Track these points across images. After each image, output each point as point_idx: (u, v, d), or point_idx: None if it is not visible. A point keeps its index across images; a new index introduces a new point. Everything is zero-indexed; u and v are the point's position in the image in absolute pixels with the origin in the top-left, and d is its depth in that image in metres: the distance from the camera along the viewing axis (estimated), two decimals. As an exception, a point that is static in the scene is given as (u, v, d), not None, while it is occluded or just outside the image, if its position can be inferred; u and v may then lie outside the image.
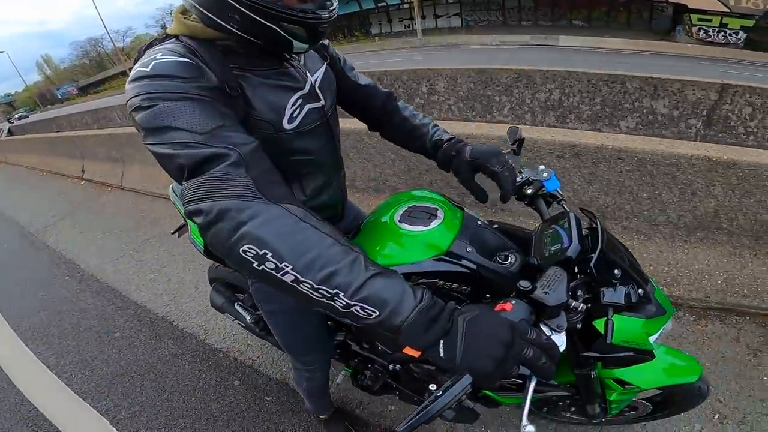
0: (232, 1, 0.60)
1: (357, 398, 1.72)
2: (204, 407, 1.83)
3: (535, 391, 0.64)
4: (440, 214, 0.90)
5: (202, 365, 2.06)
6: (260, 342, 2.06)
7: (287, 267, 0.50)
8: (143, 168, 4.60)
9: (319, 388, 1.38)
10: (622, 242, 0.84)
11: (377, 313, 0.51)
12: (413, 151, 1.08)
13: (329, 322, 1.19)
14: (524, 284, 0.58)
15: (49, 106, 68.48)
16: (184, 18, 0.69)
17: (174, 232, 1.45)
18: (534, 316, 0.57)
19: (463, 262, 0.82)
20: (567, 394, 1.00)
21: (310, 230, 0.53)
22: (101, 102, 28.94)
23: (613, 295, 0.69)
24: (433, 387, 0.54)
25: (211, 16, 0.63)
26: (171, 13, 0.74)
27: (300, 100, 0.77)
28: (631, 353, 0.80)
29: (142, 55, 0.65)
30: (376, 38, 27.49)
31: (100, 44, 72.88)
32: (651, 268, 1.90)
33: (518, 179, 0.95)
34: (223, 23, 0.63)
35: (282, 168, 0.74)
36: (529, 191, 0.93)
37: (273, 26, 0.62)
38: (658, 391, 1.11)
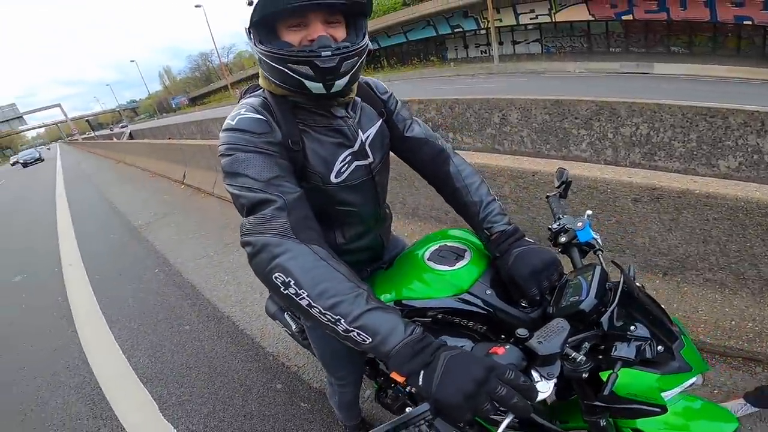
0: (260, 55, 0.73)
1: (388, 416, 1.70)
2: (244, 404, 1.96)
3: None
4: (468, 255, 0.94)
5: (252, 365, 2.20)
6: (308, 351, 2.17)
7: (304, 293, 0.62)
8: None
9: (348, 402, 1.44)
10: (653, 297, 0.82)
11: (370, 339, 0.61)
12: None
13: None
14: (521, 332, 0.62)
15: (164, 114, 79.83)
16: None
17: None
18: (525, 362, 0.60)
19: (481, 303, 0.86)
20: None
21: (327, 267, 0.65)
22: (206, 113, 32.95)
23: (625, 349, 0.69)
24: (408, 409, 0.57)
25: (265, 73, 0.78)
26: None
27: (349, 157, 0.86)
28: (639, 406, 0.78)
29: (243, 97, 0.85)
30: (452, 63, 27.79)
31: (209, 59, 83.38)
32: (733, 323, 1.70)
33: (555, 226, 0.96)
34: (270, 78, 0.77)
35: (327, 214, 0.88)
36: (563, 240, 0.93)
37: (282, 68, 0.72)
38: None
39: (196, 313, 2.83)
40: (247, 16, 0.72)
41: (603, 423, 0.87)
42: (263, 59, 0.74)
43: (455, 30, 26.89)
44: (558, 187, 1.06)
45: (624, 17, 19.22)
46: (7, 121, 71.74)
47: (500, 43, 24.08)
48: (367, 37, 0.80)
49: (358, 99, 0.92)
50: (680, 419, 0.89)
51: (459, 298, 0.87)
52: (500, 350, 0.60)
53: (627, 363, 0.69)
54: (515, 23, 23.35)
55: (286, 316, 1.65)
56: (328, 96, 0.78)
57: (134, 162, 10.50)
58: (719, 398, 1.53)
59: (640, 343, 0.70)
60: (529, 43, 24.16)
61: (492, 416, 0.55)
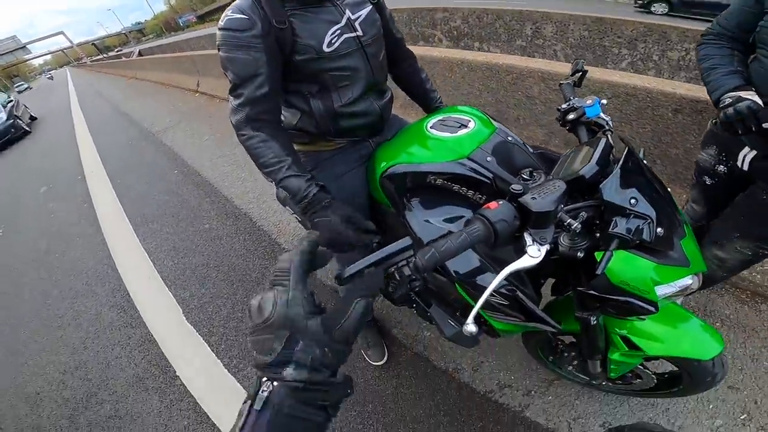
0: None
1: (397, 318, 1.77)
2: None
3: (522, 319, 0.84)
4: (471, 125, 0.93)
5: (269, 263, 2.25)
6: None
7: (254, 160, 0.96)
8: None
9: None
10: (660, 180, 0.76)
11: (291, 195, 0.96)
12: (416, 101, 1.38)
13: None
14: (516, 187, 0.58)
15: (173, 33, 76.41)
16: None
17: None
18: (518, 221, 0.56)
19: (481, 170, 0.85)
20: (550, 329, 0.92)
21: (265, 147, 0.94)
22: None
23: (623, 225, 0.63)
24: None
25: None
26: None
27: (338, 31, 0.97)
28: (631, 299, 0.73)
29: None
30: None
31: (216, -27, 77.18)
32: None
33: (565, 106, 0.95)
34: None
35: (323, 80, 1.01)
36: (571, 117, 0.92)
37: None
38: (669, 367, 1.01)
39: (215, 211, 2.88)
40: None
41: (594, 321, 0.86)
42: None
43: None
44: (572, 75, 1.02)
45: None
46: (10, 52, 70.12)
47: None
48: None
49: None
50: (669, 331, 0.89)
51: (459, 163, 0.86)
52: (493, 205, 0.56)
53: (624, 242, 0.63)
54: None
55: None
56: None
57: (146, 77, 10.27)
58: (722, 332, 1.51)
59: (639, 221, 0.64)
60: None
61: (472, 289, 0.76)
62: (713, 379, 0.93)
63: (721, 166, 1.20)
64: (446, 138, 0.91)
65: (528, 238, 0.57)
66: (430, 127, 0.97)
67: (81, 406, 1.79)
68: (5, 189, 5.21)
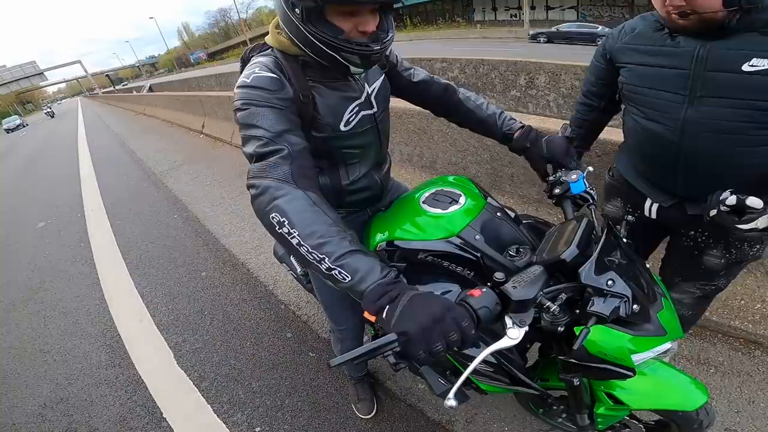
0: (307, 34, 0.78)
1: (391, 371, 1.73)
2: (254, 353, 1.98)
3: (507, 383, 0.86)
4: (462, 200, 0.96)
5: (264, 313, 2.23)
6: (317, 302, 2.18)
7: (295, 233, 0.67)
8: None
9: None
10: (639, 256, 0.81)
11: (350, 278, 0.64)
12: (482, 135, 1.19)
13: None
14: (498, 276, 0.63)
15: (183, 69, 79.71)
16: (278, 32, 0.87)
17: None
18: (499, 306, 0.61)
19: (469, 248, 0.87)
20: (535, 393, 0.97)
21: (318, 212, 0.70)
22: (225, 68, 32.64)
23: (600, 305, 0.67)
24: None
25: (295, 39, 0.82)
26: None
27: (356, 108, 0.94)
28: (609, 366, 0.78)
29: (248, 59, 0.91)
30: (478, 26, 26.39)
31: (228, 14, 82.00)
32: (741, 302, 1.66)
33: (551, 178, 0.99)
34: (302, 46, 0.82)
35: (334, 157, 0.98)
36: (557, 191, 0.96)
37: (334, 54, 0.79)
38: (656, 416, 1.03)
39: (213, 259, 2.88)
40: None
41: (577, 382, 0.89)
42: (308, 36, 0.78)
43: (485, -10, 25.33)
44: None
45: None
46: (28, 77, 72.81)
47: (532, 8, 22.63)
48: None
49: None
50: (652, 386, 0.92)
51: (449, 241, 0.89)
52: (477, 292, 0.61)
53: (601, 319, 0.68)
54: (551, -15, 21.81)
55: (292, 259, 1.67)
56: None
57: (154, 113, 10.59)
58: (716, 378, 1.53)
59: (616, 300, 0.69)
60: (564, 10, 22.66)
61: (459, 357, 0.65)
62: (700, 426, 0.96)
63: (630, 216, 1.23)
64: (437, 215, 0.94)
65: (508, 321, 0.61)
66: (423, 202, 1.00)
67: (58, 441, 1.70)
68: (2, 221, 5.18)
